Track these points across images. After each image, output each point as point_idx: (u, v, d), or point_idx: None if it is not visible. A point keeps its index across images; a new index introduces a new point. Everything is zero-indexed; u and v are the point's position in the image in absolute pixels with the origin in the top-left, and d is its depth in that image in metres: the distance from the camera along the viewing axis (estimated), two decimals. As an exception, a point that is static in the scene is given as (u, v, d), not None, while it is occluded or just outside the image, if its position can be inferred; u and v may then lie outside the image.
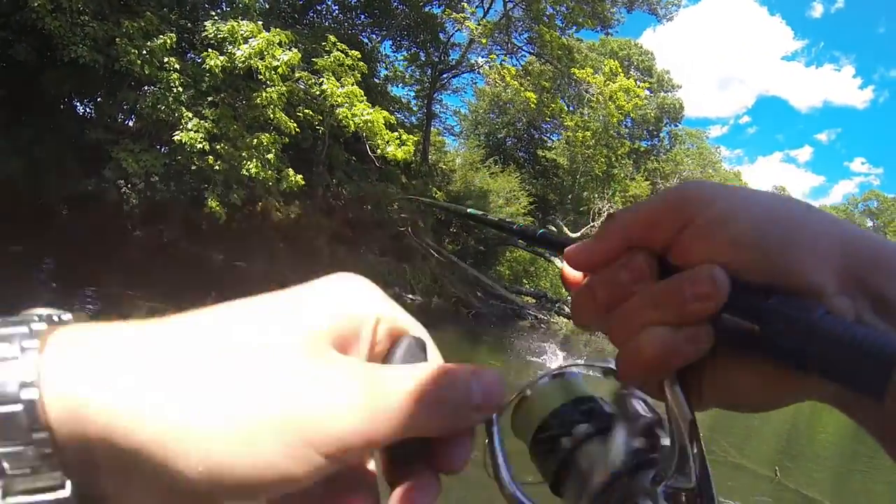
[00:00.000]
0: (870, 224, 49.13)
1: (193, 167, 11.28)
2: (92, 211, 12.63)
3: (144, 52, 10.55)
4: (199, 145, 10.70)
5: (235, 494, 0.27)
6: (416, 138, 13.58)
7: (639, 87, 22.32)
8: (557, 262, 22.08)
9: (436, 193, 17.49)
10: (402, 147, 12.41)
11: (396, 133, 12.63)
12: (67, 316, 0.29)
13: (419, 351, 0.35)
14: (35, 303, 0.33)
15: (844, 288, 0.33)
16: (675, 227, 0.36)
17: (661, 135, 39.82)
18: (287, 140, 12.00)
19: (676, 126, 40.46)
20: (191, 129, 10.77)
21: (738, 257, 0.34)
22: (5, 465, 0.25)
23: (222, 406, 0.27)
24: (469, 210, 0.75)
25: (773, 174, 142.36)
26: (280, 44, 11.47)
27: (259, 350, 0.28)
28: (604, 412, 0.41)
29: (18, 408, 0.25)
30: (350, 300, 0.32)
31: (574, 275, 0.42)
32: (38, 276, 9.09)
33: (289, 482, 0.27)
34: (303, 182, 12.00)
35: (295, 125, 11.84)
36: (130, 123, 13.06)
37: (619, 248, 0.38)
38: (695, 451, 0.35)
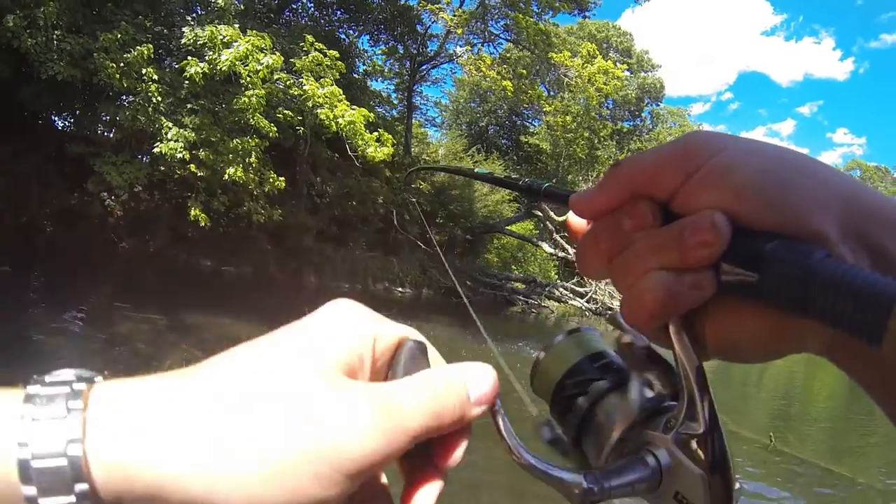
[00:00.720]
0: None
1: (176, 175, 11.25)
2: (77, 225, 12.61)
3: (122, 64, 10.42)
4: (179, 155, 10.65)
5: None
6: (393, 139, 13.61)
7: (617, 68, 22.35)
8: (545, 246, 22.21)
9: (420, 185, 17.51)
10: (382, 148, 12.46)
11: (376, 134, 12.67)
12: (98, 377, 0.33)
13: (420, 355, 0.37)
14: (62, 363, 0.39)
15: (845, 238, 0.33)
16: (681, 175, 0.36)
17: (643, 115, 40.09)
18: (267, 143, 11.99)
19: (658, 105, 40.76)
20: (170, 139, 10.70)
21: (741, 204, 0.34)
22: None
23: (255, 449, 0.30)
24: (476, 170, 0.76)
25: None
26: (262, 49, 11.43)
27: (281, 390, 0.31)
28: (617, 366, 0.44)
29: (63, 462, 0.28)
30: (349, 327, 0.35)
31: (579, 223, 0.43)
32: (28, 295, 9.03)
33: None
34: (284, 184, 12.00)
35: (275, 129, 11.83)
36: (111, 135, 13.00)
37: (624, 195, 0.37)
38: (703, 396, 0.36)
